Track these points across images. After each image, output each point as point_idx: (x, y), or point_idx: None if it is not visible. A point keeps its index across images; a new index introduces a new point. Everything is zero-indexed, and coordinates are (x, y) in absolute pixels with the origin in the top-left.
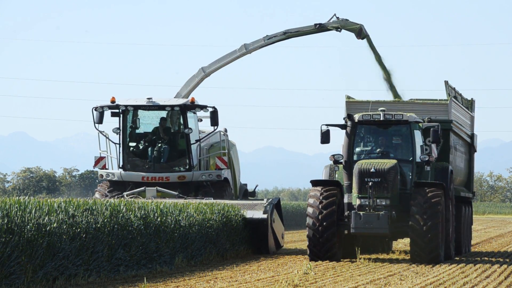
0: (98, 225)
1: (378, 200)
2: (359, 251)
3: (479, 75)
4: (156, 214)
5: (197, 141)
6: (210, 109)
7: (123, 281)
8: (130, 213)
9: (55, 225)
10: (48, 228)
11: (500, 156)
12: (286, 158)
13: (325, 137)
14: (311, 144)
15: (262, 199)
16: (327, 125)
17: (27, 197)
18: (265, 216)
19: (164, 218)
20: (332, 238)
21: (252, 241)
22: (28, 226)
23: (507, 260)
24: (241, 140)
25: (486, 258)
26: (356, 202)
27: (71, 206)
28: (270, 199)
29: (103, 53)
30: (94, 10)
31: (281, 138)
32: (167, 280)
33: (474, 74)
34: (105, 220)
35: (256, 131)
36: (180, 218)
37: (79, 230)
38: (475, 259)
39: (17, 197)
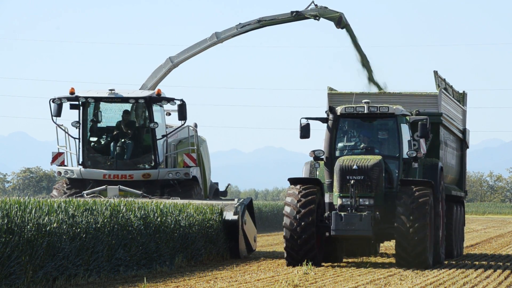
0: (98, 225)
1: (361, 200)
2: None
3: (479, 75)
4: (156, 214)
5: (163, 136)
6: (178, 102)
7: (123, 281)
8: (130, 213)
9: (55, 225)
10: (48, 228)
11: (500, 156)
12: (286, 158)
13: (304, 132)
14: (311, 144)
15: (233, 199)
16: (306, 118)
17: (27, 197)
18: (235, 217)
19: (164, 218)
20: (311, 239)
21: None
22: (28, 226)
23: (507, 260)
24: (241, 140)
25: (477, 263)
26: (337, 202)
27: (71, 206)
28: (242, 199)
29: (103, 53)
30: (95, 10)
31: (281, 138)
32: (167, 280)
33: (474, 74)
34: (105, 220)
35: (256, 131)
36: (180, 218)
37: (79, 230)
38: (466, 263)
39: (17, 197)
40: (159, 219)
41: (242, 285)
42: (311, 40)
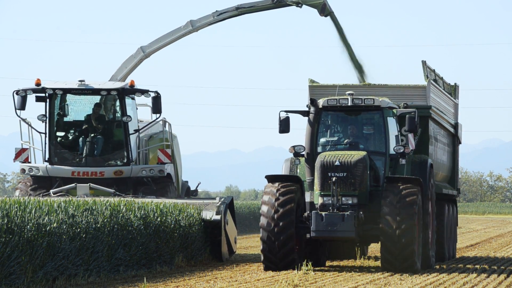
0: (98, 225)
1: (343, 199)
2: (359, 252)
3: (479, 75)
4: (156, 214)
5: (136, 131)
6: (152, 94)
7: (123, 281)
8: (130, 213)
9: (55, 225)
10: (48, 228)
11: (500, 156)
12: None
13: (284, 126)
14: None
15: (214, 198)
16: (286, 111)
17: (27, 197)
18: (218, 217)
19: (164, 218)
20: (290, 241)
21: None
22: (28, 226)
23: (507, 260)
24: (241, 140)
25: (470, 267)
26: (318, 200)
27: (71, 206)
28: (223, 198)
29: (103, 53)
30: (95, 9)
31: (281, 138)
32: (167, 280)
33: (475, 74)
34: (105, 220)
35: (256, 131)
36: (180, 218)
37: (79, 230)
38: (465, 263)
39: (17, 197)
40: (159, 219)
41: (242, 285)
42: (311, 38)
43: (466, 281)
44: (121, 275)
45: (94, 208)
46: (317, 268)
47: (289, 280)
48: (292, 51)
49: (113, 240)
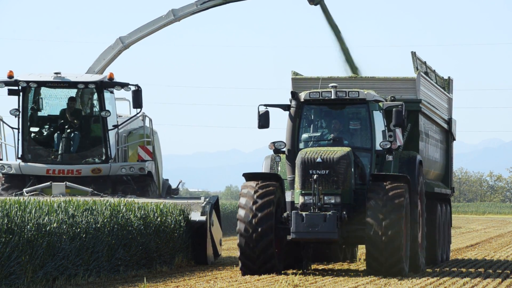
0: (98, 225)
1: (325, 198)
2: (358, 252)
3: (479, 75)
4: (156, 214)
5: (115, 126)
6: (133, 88)
7: (123, 281)
8: (130, 213)
9: (55, 225)
10: (48, 228)
11: (500, 156)
12: None
13: (263, 120)
14: None
15: (199, 198)
16: (265, 105)
17: (27, 197)
18: (203, 218)
19: (164, 218)
20: (269, 248)
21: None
22: (28, 226)
23: (506, 260)
24: (241, 140)
25: (464, 270)
26: (299, 200)
27: (71, 206)
28: (208, 198)
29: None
30: (94, 9)
31: (281, 138)
32: (167, 280)
33: (475, 74)
34: (105, 220)
35: (256, 131)
36: (180, 218)
37: (79, 230)
38: (465, 264)
39: (17, 197)
40: (159, 219)
41: (242, 285)
42: (312, 37)
43: (466, 281)
44: (121, 275)
45: (94, 208)
46: (318, 269)
47: (289, 280)
48: (293, 51)
49: (113, 240)
